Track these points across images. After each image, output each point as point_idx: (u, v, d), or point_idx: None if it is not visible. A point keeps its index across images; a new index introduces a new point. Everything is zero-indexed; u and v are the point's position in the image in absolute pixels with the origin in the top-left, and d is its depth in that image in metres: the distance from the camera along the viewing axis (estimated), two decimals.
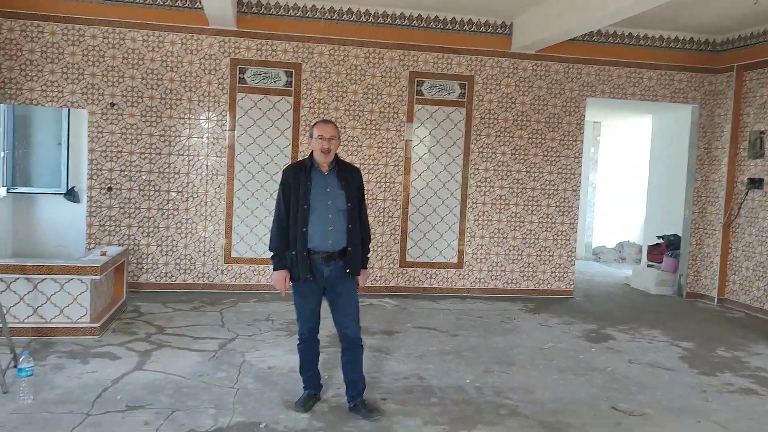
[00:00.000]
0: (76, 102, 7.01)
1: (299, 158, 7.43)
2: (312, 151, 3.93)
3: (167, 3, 7.07)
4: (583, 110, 8.10)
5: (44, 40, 6.89)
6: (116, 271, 6.21)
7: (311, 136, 3.91)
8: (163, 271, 7.30)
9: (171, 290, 7.26)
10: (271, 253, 4.00)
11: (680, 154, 8.79)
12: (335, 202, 3.88)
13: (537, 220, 8.08)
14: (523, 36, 7.59)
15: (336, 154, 3.95)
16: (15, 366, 4.27)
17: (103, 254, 5.78)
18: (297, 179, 3.89)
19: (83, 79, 6.99)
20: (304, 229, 3.84)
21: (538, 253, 8.10)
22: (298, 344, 4.12)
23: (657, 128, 9.92)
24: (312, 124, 4.03)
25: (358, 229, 3.96)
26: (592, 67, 8.04)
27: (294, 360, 4.94)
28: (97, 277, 5.33)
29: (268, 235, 7.29)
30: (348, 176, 3.98)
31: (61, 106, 7.11)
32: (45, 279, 5.27)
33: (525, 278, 8.09)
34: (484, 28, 7.74)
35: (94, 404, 3.94)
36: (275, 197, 7.35)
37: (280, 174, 7.31)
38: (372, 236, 4.30)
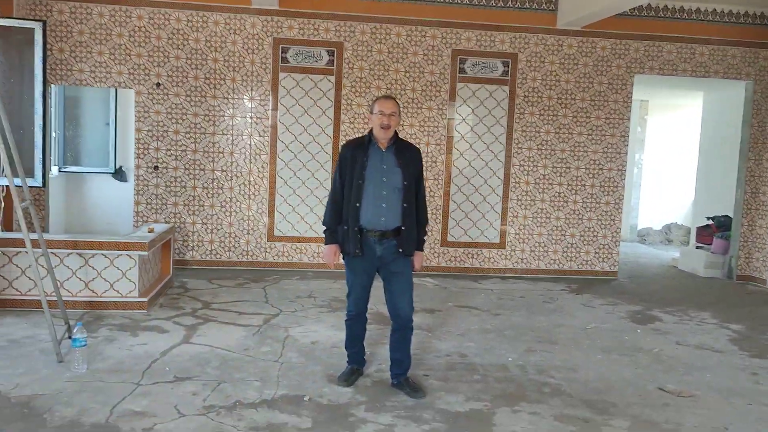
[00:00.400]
0: (123, 82, 7.15)
1: (340, 138, 7.45)
2: (372, 128, 3.89)
3: None
4: (631, 88, 7.90)
5: (93, 21, 7.02)
6: (163, 247, 6.34)
7: (371, 112, 3.87)
8: (208, 248, 7.43)
9: (216, 267, 7.40)
10: (324, 227, 4.01)
11: (732, 133, 8.52)
12: (391, 180, 3.84)
13: (581, 200, 7.94)
14: (568, 12, 7.41)
15: (396, 132, 3.91)
16: (69, 337, 4.42)
17: (151, 231, 5.91)
18: (354, 154, 3.87)
19: (130, 59, 7.12)
20: (357, 204, 3.83)
21: (582, 233, 7.98)
22: (345, 320, 4.15)
23: (708, 106, 9.64)
24: (373, 99, 3.99)
25: (413, 208, 3.91)
26: (640, 42, 7.82)
27: (336, 336, 5.01)
28: (145, 253, 5.46)
29: (310, 215, 7.49)
30: (407, 154, 3.92)
31: (109, 87, 7.27)
32: (96, 254, 5.43)
33: (568, 259, 7.98)
34: (528, 5, 7.59)
35: (144, 375, 4.05)
36: (317, 176, 7.46)
37: (322, 153, 7.43)
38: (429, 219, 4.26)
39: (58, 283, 5.28)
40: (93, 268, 5.44)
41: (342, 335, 4.98)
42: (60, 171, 8.32)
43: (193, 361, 4.35)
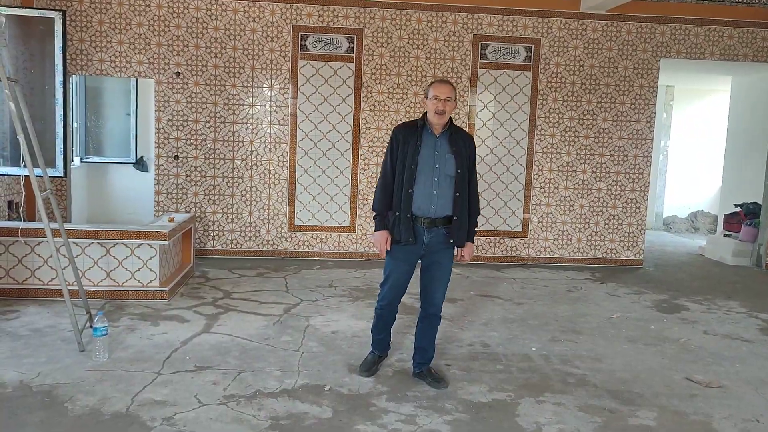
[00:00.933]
0: (143, 72, 7.14)
1: (361, 126, 7.39)
2: (425, 112, 3.77)
3: None
4: (657, 72, 7.72)
5: (112, 11, 7.02)
6: (184, 237, 6.34)
7: (426, 96, 3.73)
8: (229, 238, 7.43)
9: (236, 257, 7.39)
10: (374, 213, 3.87)
11: (762, 117, 8.31)
12: (443, 167, 3.70)
13: (605, 188, 7.80)
14: None
15: (450, 118, 3.79)
16: (91, 326, 4.42)
17: (171, 221, 5.90)
18: (407, 138, 3.72)
19: (150, 49, 7.10)
20: (410, 190, 3.69)
21: (606, 221, 7.84)
22: (376, 307, 3.99)
23: (737, 90, 9.41)
24: (428, 83, 3.87)
25: (466, 198, 3.77)
26: (667, 26, 7.63)
27: (357, 325, 4.98)
28: (166, 242, 5.46)
29: (330, 204, 7.44)
30: (460, 142, 3.77)
31: (129, 76, 7.27)
32: (117, 244, 5.43)
33: (592, 247, 7.85)
34: None
35: (164, 364, 4.04)
36: (337, 165, 7.41)
37: (342, 142, 7.38)
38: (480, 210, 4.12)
39: (80, 273, 5.31)
40: (114, 257, 5.45)
41: (362, 324, 4.97)
42: (82, 161, 8.37)
43: (213, 350, 4.34)
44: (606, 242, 7.86)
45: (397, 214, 3.73)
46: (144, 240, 5.44)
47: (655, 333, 5.18)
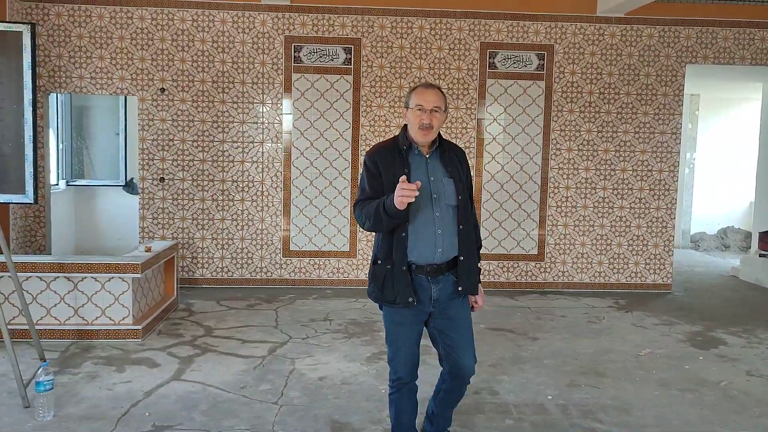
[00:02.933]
0: (126, 89, 6.66)
1: (360, 142, 6.85)
2: (405, 126, 2.92)
3: None
4: (682, 79, 7.09)
5: (92, 24, 6.56)
6: (166, 266, 5.82)
7: (407, 106, 2.86)
8: (219, 265, 6.88)
9: (227, 286, 6.84)
10: (364, 218, 2.83)
11: None
12: (442, 196, 2.83)
13: (628, 206, 7.15)
14: None
15: (438, 132, 2.91)
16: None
17: (148, 250, 5.38)
18: (389, 163, 2.82)
19: (132, 64, 6.63)
20: (403, 234, 2.79)
21: (630, 242, 7.18)
22: (390, 393, 3.03)
23: None
24: (410, 89, 2.96)
25: (471, 231, 2.93)
26: (692, 29, 7.01)
27: (348, 369, 4.40)
28: (139, 275, 4.92)
29: (328, 227, 6.88)
30: (454, 158, 2.94)
31: (110, 94, 6.78)
32: (85, 278, 4.91)
33: (615, 271, 7.19)
34: None
35: (118, 423, 3.48)
36: (335, 185, 6.85)
37: (340, 160, 6.82)
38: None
39: (44, 311, 4.81)
40: (82, 292, 4.92)
41: (354, 368, 4.41)
42: (68, 185, 7.91)
43: (179, 403, 3.78)
44: (630, 265, 7.20)
45: (388, 267, 2.82)
46: (115, 273, 4.91)
47: (691, 374, 4.52)
